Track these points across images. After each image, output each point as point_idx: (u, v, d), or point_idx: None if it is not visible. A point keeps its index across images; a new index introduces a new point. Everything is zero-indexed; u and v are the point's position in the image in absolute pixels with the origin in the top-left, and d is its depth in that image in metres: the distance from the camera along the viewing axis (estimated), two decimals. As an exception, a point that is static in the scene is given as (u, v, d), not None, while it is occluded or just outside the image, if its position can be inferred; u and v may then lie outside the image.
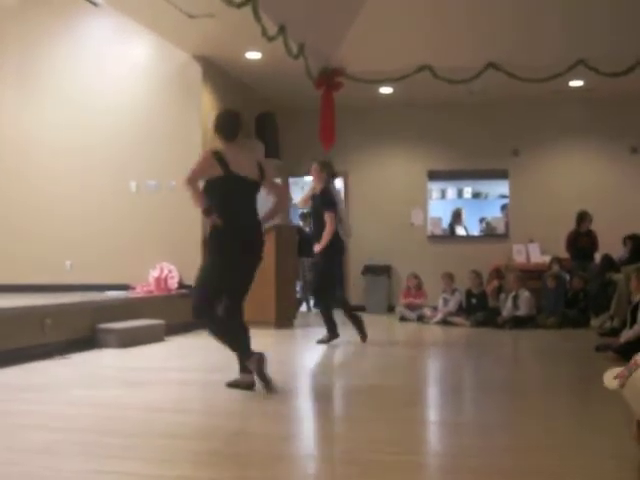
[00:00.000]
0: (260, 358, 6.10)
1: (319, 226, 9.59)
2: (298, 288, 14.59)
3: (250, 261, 6.32)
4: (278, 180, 10.62)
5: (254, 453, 4.29)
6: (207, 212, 6.09)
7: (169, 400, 5.89)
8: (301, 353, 9.31)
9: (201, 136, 11.77)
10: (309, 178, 20.10)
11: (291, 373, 7.64)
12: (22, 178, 12.34)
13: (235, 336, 6.27)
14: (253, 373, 6.16)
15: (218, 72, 12.48)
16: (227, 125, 6.40)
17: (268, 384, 6.12)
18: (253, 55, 11.91)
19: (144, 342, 9.28)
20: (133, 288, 11.25)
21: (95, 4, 11.55)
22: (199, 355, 8.66)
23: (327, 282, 9.83)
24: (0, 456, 4.16)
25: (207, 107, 12.12)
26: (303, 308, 15.44)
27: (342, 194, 13.94)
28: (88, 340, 8.85)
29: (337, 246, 9.63)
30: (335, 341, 9.74)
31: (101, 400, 5.79)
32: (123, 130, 12.09)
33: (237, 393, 6.15)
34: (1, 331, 7.54)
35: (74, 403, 5.67)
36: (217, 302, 6.21)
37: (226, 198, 6.19)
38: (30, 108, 12.47)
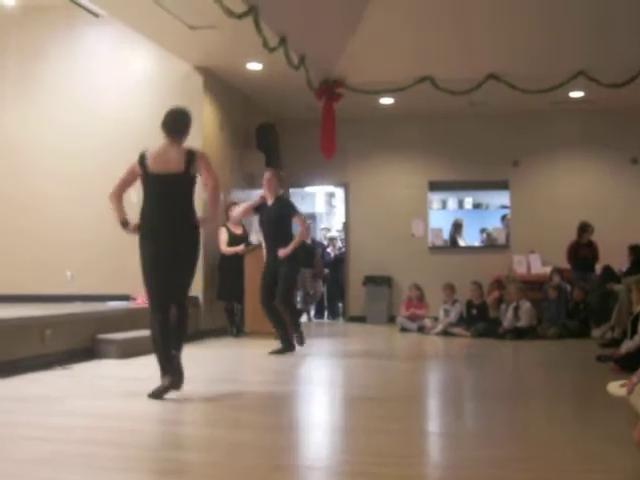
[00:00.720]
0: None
1: (281, 233, 9.56)
2: (298, 299, 14.58)
3: (166, 256, 6.30)
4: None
5: (254, 464, 4.27)
6: (123, 224, 6.45)
7: (169, 411, 5.87)
8: (301, 364, 9.29)
9: (202, 146, 11.74)
10: (311, 189, 20.26)
11: (291, 383, 7.63)
12: (22, 189, 12.31)
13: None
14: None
15: (219, 83, 12.50)
16: (166, 122, 6.59)
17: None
18: (254, 66, 11.93)
19: (144, 353, 9.19)
20: (134, 299, 11.22)
21: (96, 15, 11.57)
22: (199, 366, 8.64)
23: (293, 287, 9.83)
24: (0, 467, 4.14)
25: (208, 118, 12.13)
26: (304, 319, 15.44)
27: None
28: (88, 351, 8.83)
29: (300, 253, 9.75)
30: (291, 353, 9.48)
31: (101, 411, 5.77)
32: (123, 141, 12.05)
33: (237, 405, 6.14)
34: (1, 342, 7.51)
35: (74, 414, 5.65)
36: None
37: (146, 197, 6.41)
38: (31, 118, 12.46)
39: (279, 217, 9.56)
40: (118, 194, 6.44)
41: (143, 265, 6.40)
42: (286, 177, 9.79)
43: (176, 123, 6.58)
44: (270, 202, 9.64)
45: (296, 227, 9.77)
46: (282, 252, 9.38)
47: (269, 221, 9.65)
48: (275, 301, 9.46)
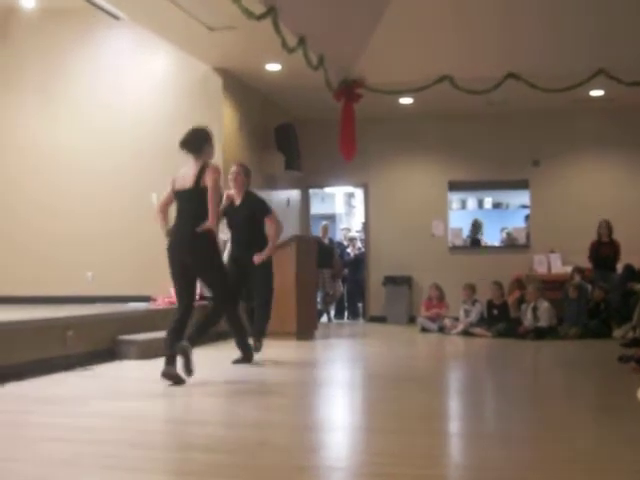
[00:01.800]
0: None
1: (253, 233, 8.70)
2: (319, 299, 14.58)
3: (180, 261, 7.01)
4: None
5: (277, 465, 4.27)
6: (166, 235, 7.14)
7: (191, 412, 5.89)
8: (322, 365, 9.29)
9: (221, 148, 11.78)
10: (330, 190, 20.26)
11: (313, 384, 7.63)
12: (43, 190, 12.40)
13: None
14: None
15: (238, 84, 12.52)
16: (185, 140, 7.12)
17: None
18: (273, 67, 11.94)
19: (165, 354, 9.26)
20: (154, 300, 11.25)
21: (116, 17, 11.61)
22: (220, 366, 8.64)
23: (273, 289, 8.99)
24: (23, 468, 4.16)
25: (228, 119, 12.16)
26: (324, 319, 15.44)
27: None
28: (109, 352, 8.85)
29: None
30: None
31: (123, 412, 5.79)
32: (144, 142, 12.14)
33: (259, 404, 6.15)
34: (23, 343, 7.56)
35: (96, 415, 5.67)
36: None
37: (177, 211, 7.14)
38: (50, 121, 12.53)
39: (249, 216, 8.70)
40: (160, 211, 7.29)
41: (170, 273, 7.14)
42: (250, 172, 8.98)
43: (190, 141, 7.10)
44: (238, 201, 8.77)
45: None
46: (257, 258, 8.56)
47: (236, 221, 8.78)
48: (255, 303, 9.02)
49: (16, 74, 12.65)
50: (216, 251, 7.18)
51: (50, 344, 7.93)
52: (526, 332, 12.13)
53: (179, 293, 7.19)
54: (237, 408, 6.05)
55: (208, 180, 6.85)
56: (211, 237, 6.99)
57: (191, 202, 6.94)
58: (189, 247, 6.93)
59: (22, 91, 12.67)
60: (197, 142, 7.07)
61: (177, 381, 6.78)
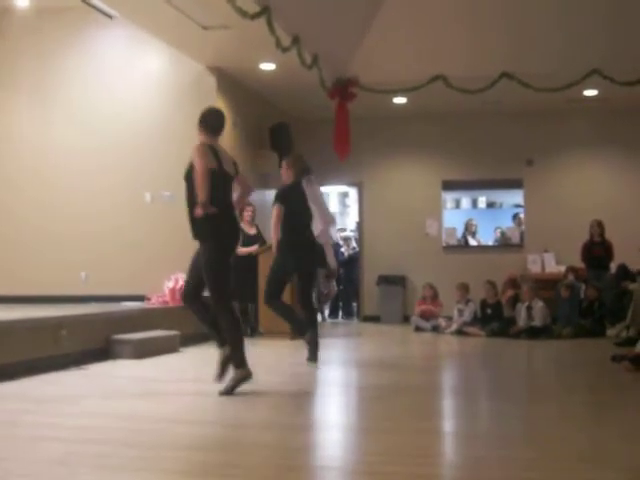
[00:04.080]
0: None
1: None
2: (314, 299, 14.56)
3: (233, 247, 6.85)
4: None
5: (269, 464, 4.28)
6: (207, 205, 6.31)
7: (184, 411, 5.89)
8: (316, 364, 9.28)
9: (215, 147, 11.79)
10: (324, 189, 20.19)
11: (305, 384, 7.63)
12: (36, 192, 12.39)
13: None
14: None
15: (232, 83, 12.52)
16: (214, 121, 6.80)
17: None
18: (267, 66, 11.94)
19: (159, 353, 9.27)
20: (148, 299, 11.25)
21: (110, 16, 11.61)
22: (214, 366, 8.64)
23: (271, 283, 8.67)
24: (16, 467, 4.16)
25: (221, 118, 12.14)
26: (318, 319, 15.43)
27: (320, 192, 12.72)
28: (103, 351, 8.85)
29: (289, 245, 8.62)
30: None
31: (116, 411, 5.79)
32: (137, 141, 12.13)
33: (252, 404, 6.16)
34: (17, 342, 7.55)
35: (90, 414, 5.67)
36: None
37: (217, 190, 6.44)
38: (44, 120, 12.53)
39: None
40: (208, 174, 6.42)
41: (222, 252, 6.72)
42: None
43: (220, 123, 6.90)
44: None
45: None
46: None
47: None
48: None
49: (10, 73, 12.63)
50: (208, 243, 6.63)
51: (44, 343, 7.92)
52: (520, 331, 12.15)
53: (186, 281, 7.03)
54: (230, 407, 6.05)
55: (194, 157, 6.49)
56: (205, 225, 6.54)
57: (188, 184, 6.57)
58: (194, 232, 6.73)
59: (16, 90, 12.65)
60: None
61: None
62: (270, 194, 14.00)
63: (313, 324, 8.69)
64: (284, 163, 9.02)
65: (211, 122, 6.75)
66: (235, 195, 6.96)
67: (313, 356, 8.39)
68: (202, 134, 6.68)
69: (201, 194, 6.29)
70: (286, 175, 8.89)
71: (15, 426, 5.25)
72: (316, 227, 9.58)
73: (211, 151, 6.51)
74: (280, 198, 8.70)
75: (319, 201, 10.22)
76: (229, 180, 6.69)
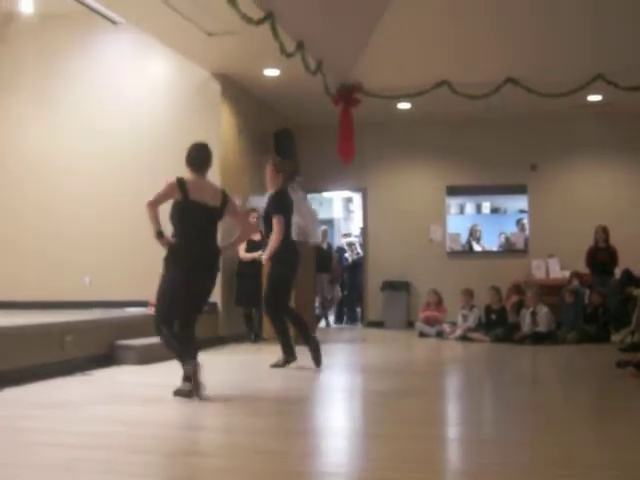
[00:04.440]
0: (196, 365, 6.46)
1: (269, 231, 8.64)
2: (317, 304, 14.58)
3: (197, 281, 6.76)
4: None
5: (274, 471, 4.27)
6: (158, 235, 6.57)
7: (188, 417, 5.89)
8: (320, 370, 9.29)
9: (220, 153, 11.79)
10: (328, 194, 20.26)
11: (310, 389, 7.63)
12: (40, 196, 12.41)
13: (181, 345, 6.75)
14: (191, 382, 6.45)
15: (237, 89, 12.54)
16: (194, 156, 6.93)
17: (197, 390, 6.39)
18: (271, 72, 11.96)
19: (163, 359, 9.22)
20: (152, 305, 11.24)
21: (114, 22, 11.63)
22: (218, 372, 8.64)
23: (280, 295, 8.64)
24: (20, 473, 4.16)
25: (226, 124, 12.17)
26: (322, 324, 15.44)
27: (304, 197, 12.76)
28: (107, 357, 8.86)
29: (289, 254, 8.68)
30: (292, 364, 8.65)
31: (121, 417, 5.79)
32: (142, 147, 12.15)
33: (257, 409, 6.15)
34: (21, 348, 7.55)
35: (94, 420, 5.67)
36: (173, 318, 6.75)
37: (183, 221, 6.69)
38: (48, 125, 12.54)
39: (267, 213, 8.69)
40: (155, 204, 6.72)
41: (175, 283, 6.80)
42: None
43: (202, 160, 6.97)
44: (270, 195, 8.85)
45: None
46: (265, 255, 8.76)
47: (263, 217, 8.90)
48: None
49: (15, 79, 12.66)
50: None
51: (48, 349, 7.93)
52: (524, 337, 12.14)
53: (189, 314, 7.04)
54: (234, 413, 6.05)
55: (236, 207, 7.13)
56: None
57: (209, 220, 6.80)
58: (210, 270, 6.85)
59: (21, 96, 12.68)
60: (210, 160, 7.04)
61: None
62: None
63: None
64: (269, 167, 8.84)
65: (191, 158, 6.94)
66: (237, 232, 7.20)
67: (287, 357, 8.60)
68: (188, 170, 6.92)
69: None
70: (274, 180, 8.77)
71: (20, 432, 5.25)
72: (305, 227, 9.49)
73: (179, 184, 6.65)
74: (280, 209, 8.62)
75: (306, 204, 10.18)
76: (202, 211, 6.73)
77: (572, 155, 15.12)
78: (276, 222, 8.51)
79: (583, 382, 8.30)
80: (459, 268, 15.20)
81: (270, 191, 8.80)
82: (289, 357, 8.62)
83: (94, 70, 12.52)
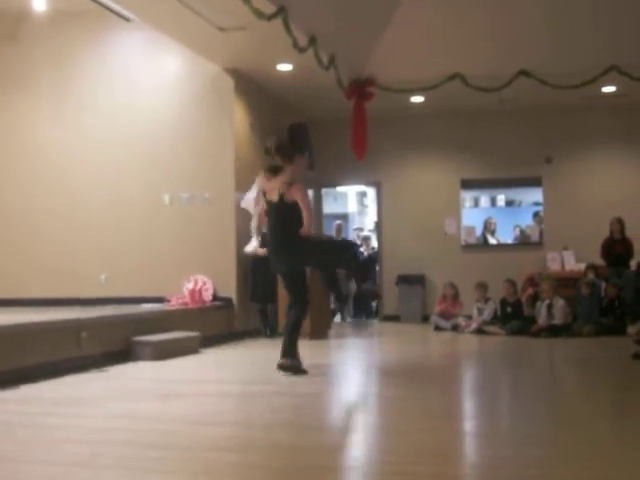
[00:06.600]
0: None
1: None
2: (332, 299, 14.55)
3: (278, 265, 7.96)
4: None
5: (293, 465, 4.27)
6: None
7: (207, 412, 5.89)
8: (338, 364, 9.29)
9: (234, 148, 11.82)
10: (342, 189, 20.23)
11: (329, 384, 7.63)
12: (56, 192, 12.41)
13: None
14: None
15: (250, 84, 12.53)
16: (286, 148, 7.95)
17: None
18: (284, 67, 11.94)
19: (179, 354, 9.29)
20: (168, 300, 11.28)
21: (127, 19, 11.64)
22: (235, 367, 8.67)
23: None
24: (40, 470, 4.18)
25: (239, 119, 12.16)
26: (337, 319, 15.42)
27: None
28: (123, 353, 8.87)
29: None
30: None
31: (138, 413, 5.81)
32: (156, 143, 12.15)
33: (275, 404, 6.16)
34: (37, 344, 7.59)
35: (111, 416, 5.69)
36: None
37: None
38: (64, 122, 12.55)
39: None
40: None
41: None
42: None
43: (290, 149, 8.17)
44: None
45: None
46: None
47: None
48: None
49: (28, 77, 12.67)
50: None
51: (64, 346, 7.96)
52: (540, 330, 12.11)
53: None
54: (252, 408, 6.05)
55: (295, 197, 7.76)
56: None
57: (276, 214, 7.88)
58: (283, 256, 7.85)
59: (34, 94, 12.68)
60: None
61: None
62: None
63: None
64: (300, 162, 8.52)
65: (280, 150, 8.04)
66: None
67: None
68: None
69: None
70: (296, 176, 8.13)
71: (37, 429, 5.27)
72: None
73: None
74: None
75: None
76: (272, 207, 7.83)
77: (587, 147, 15.06)
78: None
79: (599, 375, 8.28)
80: (474, 261, 15.16)
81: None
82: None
83: (107, 67, 12.51)
